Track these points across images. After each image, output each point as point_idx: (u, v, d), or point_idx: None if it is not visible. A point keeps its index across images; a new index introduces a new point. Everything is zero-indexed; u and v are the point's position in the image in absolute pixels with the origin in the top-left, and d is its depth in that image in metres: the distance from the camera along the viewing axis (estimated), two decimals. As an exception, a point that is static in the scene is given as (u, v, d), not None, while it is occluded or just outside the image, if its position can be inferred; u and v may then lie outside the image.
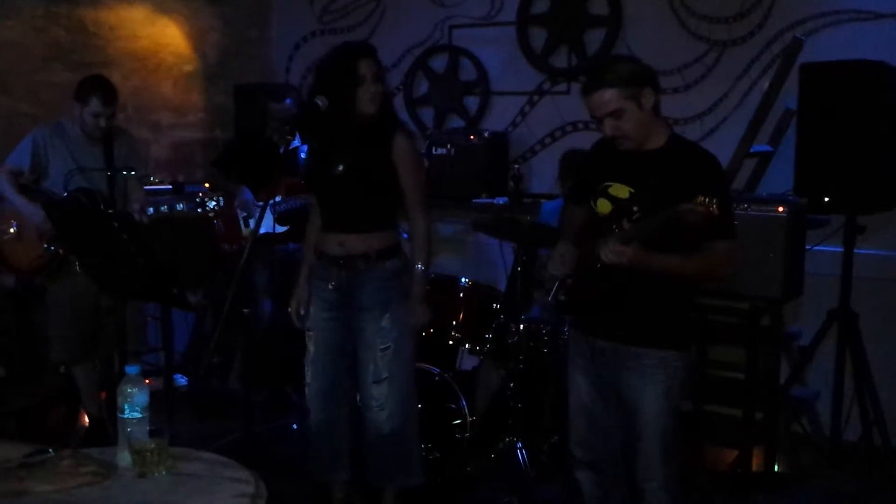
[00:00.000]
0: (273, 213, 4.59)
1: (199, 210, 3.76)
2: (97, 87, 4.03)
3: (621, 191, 2.67)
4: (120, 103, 4.18)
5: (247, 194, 4.66)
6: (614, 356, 2.74)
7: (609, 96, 2.56)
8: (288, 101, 4.93)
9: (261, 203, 4.52)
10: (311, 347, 3.31)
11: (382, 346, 3.19)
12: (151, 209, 3.91)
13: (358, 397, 3.34)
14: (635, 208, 2.62)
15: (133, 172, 4.15)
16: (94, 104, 3.99)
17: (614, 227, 2.65)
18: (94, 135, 4.05)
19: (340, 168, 3.15)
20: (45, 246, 3.95)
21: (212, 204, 3.71)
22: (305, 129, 3.54)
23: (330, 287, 3.23)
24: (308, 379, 3.32)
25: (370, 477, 3.36)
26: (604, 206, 2.72)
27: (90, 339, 4.18)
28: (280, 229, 4.66)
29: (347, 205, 3.17)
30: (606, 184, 2.72)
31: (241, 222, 4.69)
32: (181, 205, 3.85)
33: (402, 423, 3.25)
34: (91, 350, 4.21)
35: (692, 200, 2.39)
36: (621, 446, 2.84)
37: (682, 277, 2.65)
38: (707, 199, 2.38)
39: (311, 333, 3.31)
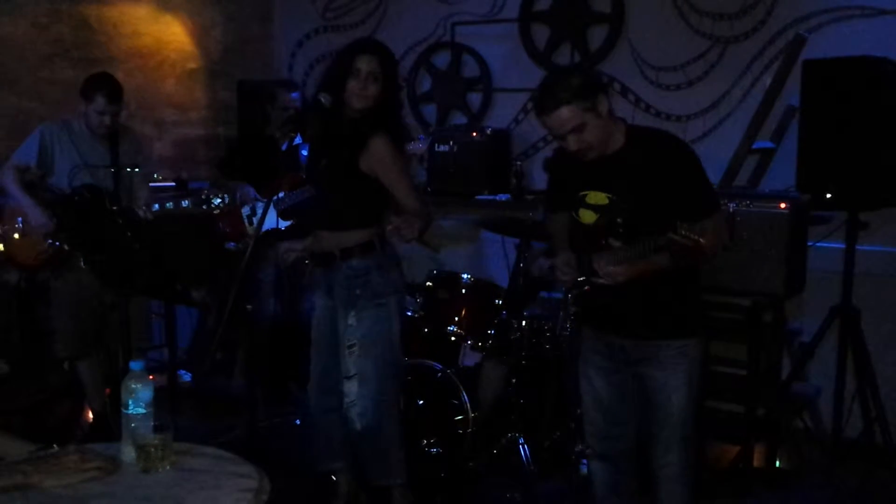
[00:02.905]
0: (276, 209, 4.59)
1: (204, 207, 3.78)
2: (103, 84, 4.04)
3: (599, 198, 2.71)
4: (124, 100, 4.19)
5: (249, 191, 4.66)
6: (634, 351, 2.78)
7: (568, 113, 2.58)
8: (294, 94, 4.94)
9: (263, 199, 4.53)
10: (313, 334, 3.38)
11: (348, 344, 3.21)
12: (157, 206, 3.92)
13: None
14: (619, 220, 2.65)
15: (137, 169, 4.17)
16: (100, 102, 4.00)
17: (602, 241, 2.68)
18: (99, 132, 4.07)
19: (324, 163, 3.19)
20: (49, 241, 3.96)
21: (217, 201, 3.74)
22: (307, 126, 3.54)
23: (319, 281, 3.31)
24: (312, 365, 3.39)
25: (358, 473, 3.41)
26: (587, 216, 2.75)
27: (94, 335, 4.19)
28: (284, 224, 4.66)
29: (323, 201, 3.21)
30: (582, 193, 2.75)
31: (245, 219, 4.69)
32: (186, 202, 3.87)
33: (376, 423, 3.23)
34: (95, 345, 4.22)
35: (676, 231, 2.40)
36: (636, 438, 2.88)
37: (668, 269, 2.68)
38: (690, 232, 2.38)
39: (314, 321, 3.38)
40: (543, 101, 2.62)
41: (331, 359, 3.32)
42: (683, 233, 2.38)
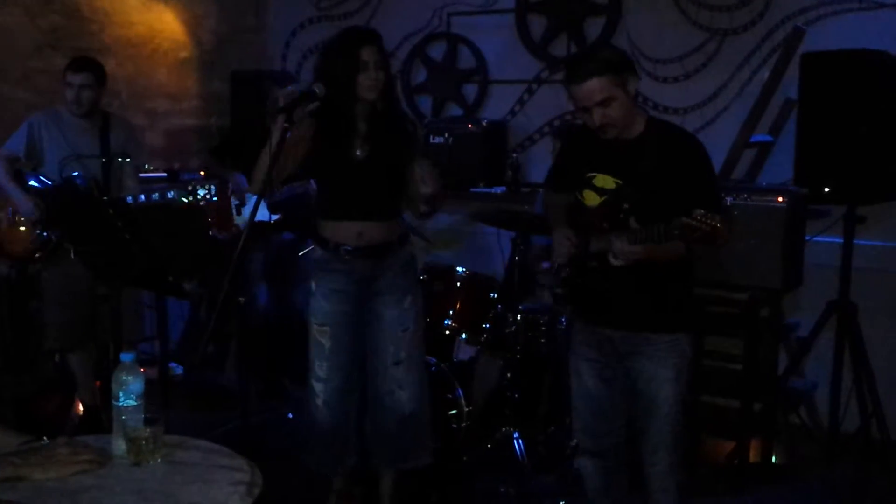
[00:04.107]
0: (267, 202, 4.56)
1: (189, 198, 3.75)
2: (71, 61, 4.07)
3: (606, 181, 2.69)
4: (115, 90, 4.17)
5: (241, 180, 4.65)
6: (624, 343, 2.76)
7: (599, 84, 2.56)
8: (290, 87, 4.90)
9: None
10: (325, 342, 3.23)
11: (403, 328, 3.21)
12: (143, 197, 3.89)
13: (370, 384, 3.32)
14: (626, 205, 2.62)
15: (128, 160, 4.13)
16: (69, 76, 4.02)
17: (605, 224, 2.66)
18: (76, 112, 4.04)
19: (359, 153, 3.13)
20: (38, 232, 3.93)
21: (202, 192, 3.70)
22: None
23: (352, 281, 3.19)
24: (322, 374, 3.24)
25: (381, 460, 3.35)
26: (591, 198, 2.73)
27: (85, 327, 4.16)
28: (274, 218, 4.64)
29: (369, 192, 3.14)
30: (590, 174, 2.72)
31: (234, 210, 4.67)
32: (172, 193, 3.83)
33: (420, 404, 3.28)
34: (86, 338, 4.19)
35: (690, 216, 2.38)
36: (626, 433, 2.87)
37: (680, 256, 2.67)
38: (706, 215, 2.36)
39: (326, 328, 3.23)
40: (575, 70, 2.60)
41: (357, 363, 3.27)
42: (700, 218, 2.36)
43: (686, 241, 2.48)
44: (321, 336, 3.23)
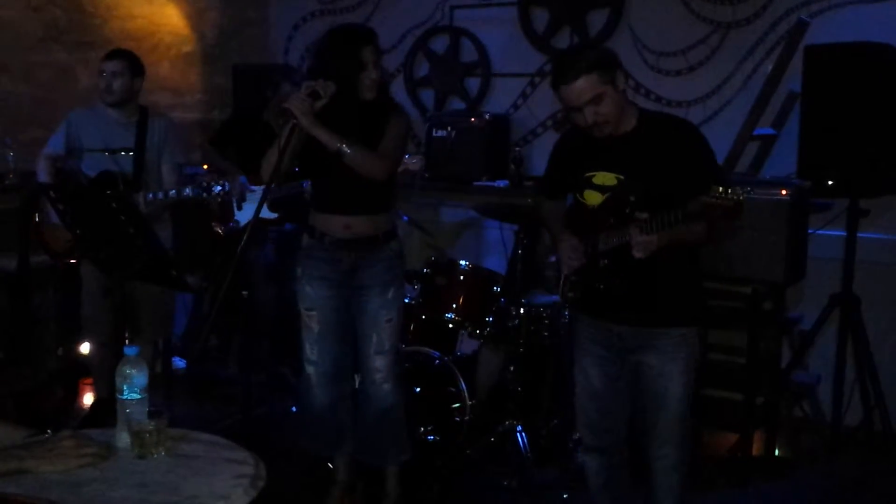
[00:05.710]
0: (268, 199, 4.56)
1: (205, 195, 3.79)
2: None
3: (607, 178, 2.68)
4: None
5: (242, 181, 4.66)
6: (633, 338, 2.75)
7: (588, 83, 2.55)
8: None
9: (254, 187, 4.52)
10: (314, 326, 3.32)
11: (387, 318, 3.25)
12: (162, 194, 3.92)
13: (359, 374, 3.39)
14: (632, 198, 2.61)
15: (166, 155, 4.13)
16: (101, 65, 4.07)
17: (611, 220, 2.65)
18: (105, 99, 4.07)
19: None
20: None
21: (217, 189, 3.74)
22: None
23: (335, 270, 3.25)
24: (313, 357, 3.33)
25: (368, 457, 3.39)
26: (593, 197, 2.72)
27: (113, 321, 4.17)
28: (272, 216, 4.64)
29: (354, 186, 3.15)
30: (588, 174, 2.71)
31: (234, 204, 4.68)
32: (188, 190, 3.87)
33: (400, 398, 3.33)
34: (112, 332, 4.20)
35: (708, 193, 2.36)
36: (632, 430, 2.86)
37: (701, 241, 2.67)
38: (725, 190, 2.35)
39: (313, 313, 3.32)
40: (562, 71, 2.59)
41: (343, 346, 3.33)
42: (720, 194, 2.34)
43: (709, 220, 2.46)
44: (310, 321, 3.33)
